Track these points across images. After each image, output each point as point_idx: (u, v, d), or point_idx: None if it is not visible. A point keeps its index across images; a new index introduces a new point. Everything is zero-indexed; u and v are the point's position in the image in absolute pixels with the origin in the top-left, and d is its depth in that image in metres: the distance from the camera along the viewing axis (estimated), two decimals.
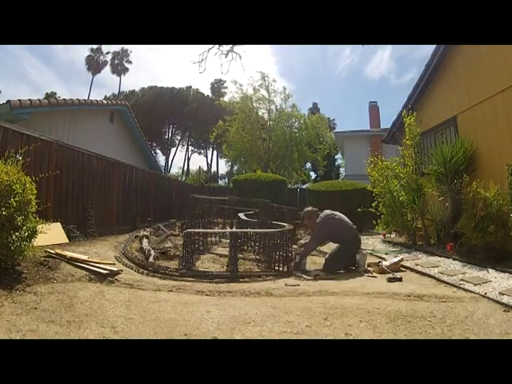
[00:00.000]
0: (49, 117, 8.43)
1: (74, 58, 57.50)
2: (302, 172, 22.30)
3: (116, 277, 3.53)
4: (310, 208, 5.25)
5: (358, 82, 70.35)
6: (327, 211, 5.04)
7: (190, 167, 40.70)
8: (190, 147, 42.72)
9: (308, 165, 27.67)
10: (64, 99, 9.34)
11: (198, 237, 5.21)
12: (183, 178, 27.19)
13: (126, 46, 42.00)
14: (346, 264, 4.68)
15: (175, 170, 40.73)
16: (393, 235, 7.92)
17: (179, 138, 42.49)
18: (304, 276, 4.23)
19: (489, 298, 2.92)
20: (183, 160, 41.50)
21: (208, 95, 40.95)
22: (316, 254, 6.19)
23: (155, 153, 35.17)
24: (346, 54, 66.11)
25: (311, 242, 4.99)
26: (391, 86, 66.08)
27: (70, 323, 2.24)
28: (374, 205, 7.30)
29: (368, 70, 68.77)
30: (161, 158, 38.85)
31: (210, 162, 42.61)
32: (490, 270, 3.96)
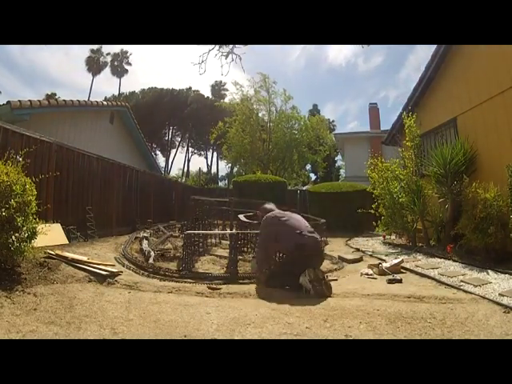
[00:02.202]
0: (49, 118, 8.43)
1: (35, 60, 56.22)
2: (302, 173, 22.31)
3: (116, 278, 3.53)
4: (268, 205, 4.70)
5: (323, 69, 65.21)
6: (275, 211, 4.22)
7: (190, 168, 40.74)
8: (190, 148, 42.76)
9: (308, 166, 27.73)
10: (64, 100, 9.34)
11: (197, 238, 5.21)
12: (183, 180, 27.18)
13: (125, 48, 42.08)
14: (284, 281, 3.66)
15: (175, 171, 40.76)
16: (393, 237, 7.92)
17: (179, 139, 42.53)
18: None
19: (489, 300, 2.92)
20: (183, 161, 41.57)
21: (208, 97, 41.03)
22: None
23: (155, 154, 35.22)
24: None
25: (257, 251, 4.25)
26: (361, 71, 63.41)
27: (69, 324, 2.24)
28: (374, 206, 7.31)
29: (331, 56, 63.36)
30: (161, 160, 38.90)
31: (210, 163, 42.65)
32: (489, 271, 3.95)
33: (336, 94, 70.85)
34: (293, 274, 3.53)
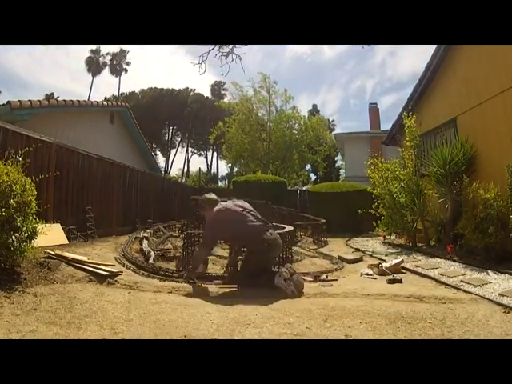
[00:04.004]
0: (49, 118, 8.44)
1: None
2: (302, 173, 22.34)
3: (116, 278, 3.52)
4: (212, 195, 3.98)
5: (286, 58, 61.06)
6: (225, 203, 3.86)
7: (190, 169, 40.78)
8: (190, 148, 42.83)
9: (308, 166, 27.75)
10: (64, 100, 9.34)
11: (197, 238, 5.20)
12: (183, 180, 27.19)
13: (124, 47, 42.25)
14: (254, 280, 3.48)
15: (175, 171, 40.77)
16: (393, 237, 7.92)
17: (179, 139, 42.57)
18: (304, 277, 4.23)
19: (489, 300, 2.92)
20: (183, 161, 41.64)
21: (208, 97, 41.13)
22: (316, 255, 6.19)
23: (155, 154, 35.23)
24: None
25: (201, 246, 3.96)
26: (328, 57, 61.28)
27: (69, 324, 2.24)
28: (374, 206, 7.31)
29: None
30: (161, 160, 38.94)
31: (209, 163, 42.69)
32: (489, 271, 3.96)
33: (307, 84, 67.68)
34: (264, 271, 3.51)
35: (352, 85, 66.11)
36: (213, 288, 3.58)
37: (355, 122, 65.91)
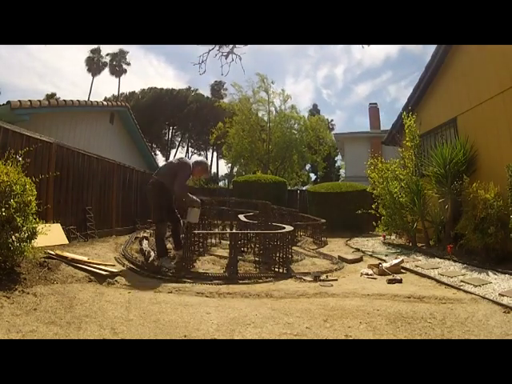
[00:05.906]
0: (49, 118, 8.43)
1: None
2: (302, 173, 22.35)
3: (116, 278, 3.53)
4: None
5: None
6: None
7: None
8: (190, 148, 42.82)
9: (308, 166, 27.77)
10: (64, 100, 9.33)
11: (197, 238, 5.20)
12: None
13: (123, 47, 42.21)
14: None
15: None
16: (393, 237, 7.92)
17: (179, 139, 42.57)
18: (304, 277, 4.23)
19: (489, 300, 2.92)
20: None
21: (208, 96, 41.07)
22: (316, 255, 6.20)
23: (155, 154, 35.24)
24: None
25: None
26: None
27: (69, 324, 2.24)
28: (373, 206, 7.31)
29: None
30: (161, 160, 38.91)
31: (209, 163, 42.67)
32: (489, 271, 3.96)
33: (271, 76, 62.98)
34: None
35: (320, 72, 62.79)
36: (213, 288, 3.58)
37: (335, 116, 62.81)
